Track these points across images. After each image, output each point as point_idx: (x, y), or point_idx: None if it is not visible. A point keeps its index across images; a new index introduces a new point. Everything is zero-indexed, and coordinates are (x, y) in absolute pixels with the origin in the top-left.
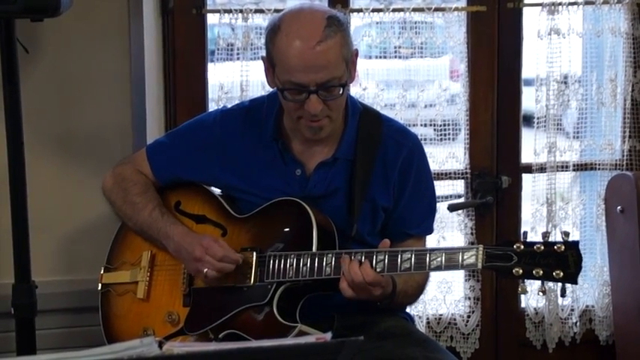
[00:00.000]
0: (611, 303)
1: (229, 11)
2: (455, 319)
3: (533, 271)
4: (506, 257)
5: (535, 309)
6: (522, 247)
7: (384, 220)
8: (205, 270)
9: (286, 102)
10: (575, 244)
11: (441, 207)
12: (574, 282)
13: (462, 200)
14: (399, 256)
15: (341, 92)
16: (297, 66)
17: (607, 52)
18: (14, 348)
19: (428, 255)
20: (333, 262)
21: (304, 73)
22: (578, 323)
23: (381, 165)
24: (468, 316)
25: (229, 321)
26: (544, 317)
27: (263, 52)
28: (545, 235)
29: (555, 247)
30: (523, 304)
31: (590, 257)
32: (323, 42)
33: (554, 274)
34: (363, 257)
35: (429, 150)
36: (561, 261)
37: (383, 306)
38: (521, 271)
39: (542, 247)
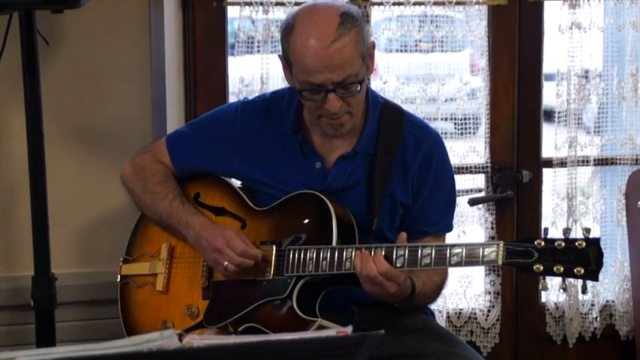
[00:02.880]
0: (632, 298)
1: (250, 4)
2: (475, 314)
3: (554, 268)
4: (526, 254)
5: (555, 304)
6: (543, 243)
7: (402, 216)
8: (225, 263)
9: (305, 101)
10: (596, 240)
11: (462, 201)
12: (595, 279)
13: (482, 194)
14: (420, 251)
15: (359, 89)
16: (313, 66)
17: (628, 47)
18: (34, 340)
19: (448, 250)
20: (353, 257)
21: (320, 73)
22: (598, 318)
23: (400, 160)
24: (489, 311)
25: (249, 314)
26: (564, 312)
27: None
28: (566, 231)
29: (576, 243)
30: (543, 299)
31: (611, 252)
32: (337, 40)
33: (575, 270)
34: (383, 252)
35: (449, 144)
36: (582, 258)
37: (400, 307)
38: (541, 267)
39: (563, 244)
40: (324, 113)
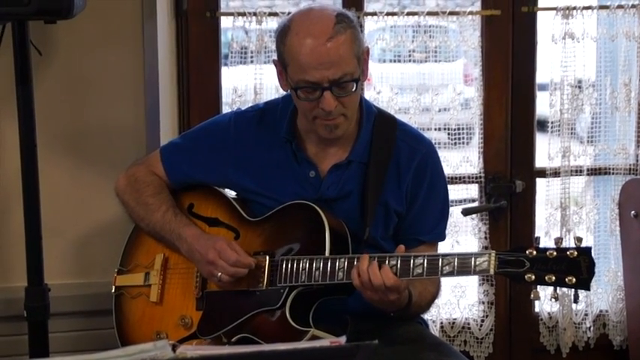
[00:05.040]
0: (625, 308)
1: (243, 14)
2: (469, 324)
3: (546, 277)
4: (518, 263)
5: (549, 313)
6: (535, 252)
7: (396, 225)
8: (219, 274)
9: (301, 102)
10: (588, 250)
11: (455, 211)
12: (587, 288)
13: (475, 204)
14: (412, 261)
15: (354, 88)
16: (309, 63)
17: (621, 57)
18: (27, 351)
19: (440, 260)
20: (345, 267)
21: (317, 70)
22: (591, 328)
23: (394, 169)
24: (482, 321)
25: (242, 325)
26: (558, 322)
27: (275, 56)
28: (558, 240)
29: (568, 252)
30: (537, 309)
31: (604, 262)
32: (334, 38)
33: (566, 280)
34: (376, 261)
35: (442, 154)
36: (574, 267)
37: (396, 316)
38: (533, 277)
39: (555, 253)
40: (319, 114)
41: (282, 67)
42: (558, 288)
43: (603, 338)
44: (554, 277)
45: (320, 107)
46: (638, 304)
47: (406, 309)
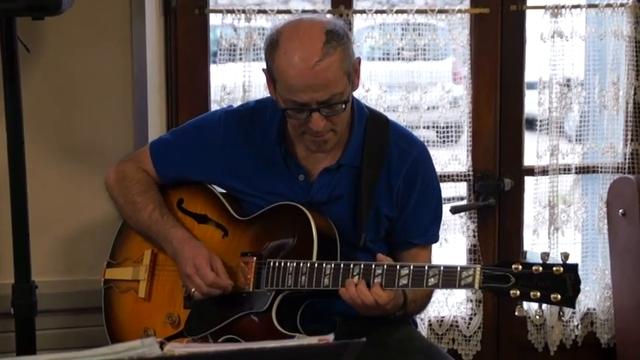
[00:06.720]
0: (613, 306)
1: (232, 12)
2: (457, 322)
3: (531, 294)
4: (503, 278)
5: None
6: (520, 268)
7: (387, 228)
8: (193, 290)
9: (289, 119)
10: (574, 267)
11: (444, 209)
12: (572, 306)
13: (464, 202)
14: (397, 271)
15: (343, 107)
16: (297, 86)
17: (610, 55)
18: (14, 348)
19: (425, 273)
20: (331, 274)
21: (305, 92)
22: (579, 326)
23: (385, 172)
24: (470, 319)
25: (228, 326)
26: (546, 320)
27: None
28: (544, 256)
29: (554, 269)
30: (525, 307)
31: (592, 260)
32: (322, 60)
33: (551, 297)
34: (361, 274)
35: (431, 152)
36: (559, 284)
37: (397, 318)
38: (518, 292)
39: (541, 269)
40: (307, 131)
41: (271, 80)
42: (542, 304)
43: (591, 336)
44: (539, 294)
45: (308, 126)
46: (626, 302)
47: (404, 307)
